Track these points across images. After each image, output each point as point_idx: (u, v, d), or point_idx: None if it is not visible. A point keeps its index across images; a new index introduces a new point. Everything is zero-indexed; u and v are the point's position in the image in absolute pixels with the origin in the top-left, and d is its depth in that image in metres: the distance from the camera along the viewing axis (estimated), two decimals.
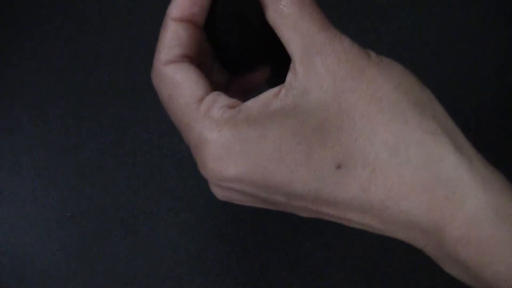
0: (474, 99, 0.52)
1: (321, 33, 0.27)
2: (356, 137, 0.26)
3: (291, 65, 0.28)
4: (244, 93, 0.34)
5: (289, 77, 0.28)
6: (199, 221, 0.48)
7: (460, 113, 0.52)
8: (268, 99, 0.27)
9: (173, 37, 0.29)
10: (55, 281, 0.46)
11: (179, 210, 0.48)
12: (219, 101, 0.28)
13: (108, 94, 0.50)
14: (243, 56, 0.33)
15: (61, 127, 0.50)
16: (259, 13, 0.29)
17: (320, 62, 0.27)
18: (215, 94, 0.28)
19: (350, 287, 0.48)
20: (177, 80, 0.28)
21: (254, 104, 0.27)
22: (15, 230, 0.47)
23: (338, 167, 0.26)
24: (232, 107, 0.27)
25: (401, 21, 0.54)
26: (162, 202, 0.48)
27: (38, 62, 0.51)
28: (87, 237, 0.47)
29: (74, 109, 0.50)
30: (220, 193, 0.29)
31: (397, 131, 0.26)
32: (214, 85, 0.30)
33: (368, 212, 0.26)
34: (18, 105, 0.50)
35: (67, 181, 0.48)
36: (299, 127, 0.26)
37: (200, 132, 0.27)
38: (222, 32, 0.31)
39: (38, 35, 0.51)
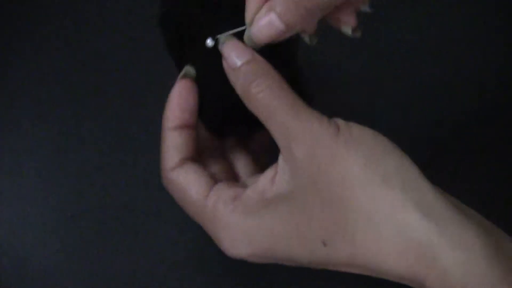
0: (474, 99, 0.52)
1: (293, 121, 0.30)
2: (334, 217, 0.30)
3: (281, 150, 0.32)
4: (257, 158, 0.38)
5: (280, 161, 0.32)
6: None
7: (460, 113, 0.52)
8: (265, 186, 0.32)
9: (171, 146, 0.34)
10: (55, 281, 0.46)
11: (179, 210, 0.48)
12: (222, 196, 0.33)
13: (108, 94, 0.50)
14: (233, 131, 0.38)
15: (61, 127, 0.50)
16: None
17: (296, 149, 0.30)
18: (217, 189, 0.33)
19: (350, 287, 0.48)
20: (182, 184, 0.34)
21: (252, 194, 0.32)
22: (15, 230, 0.47)
23: (324, 244, 0.30)
24: (234, 198, 0.32)
25: (401, 21, 0.54)
26: (162, 202, 0.48)
27: (38, 62, 0.51)
28: (87, 237, 0.47)
29: (74, 109, 0.50)
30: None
31: (368, 209, 0.29)
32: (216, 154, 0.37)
33: (361, 269, 0.31)
34: (18, 105, 0.50)
35: (67, 181, 0.48)
36: (288, 212, 0.31)
37: (210, 225, 0.33)
38: (212, 120, 0.36)
39: (38, 35, 0.51)
